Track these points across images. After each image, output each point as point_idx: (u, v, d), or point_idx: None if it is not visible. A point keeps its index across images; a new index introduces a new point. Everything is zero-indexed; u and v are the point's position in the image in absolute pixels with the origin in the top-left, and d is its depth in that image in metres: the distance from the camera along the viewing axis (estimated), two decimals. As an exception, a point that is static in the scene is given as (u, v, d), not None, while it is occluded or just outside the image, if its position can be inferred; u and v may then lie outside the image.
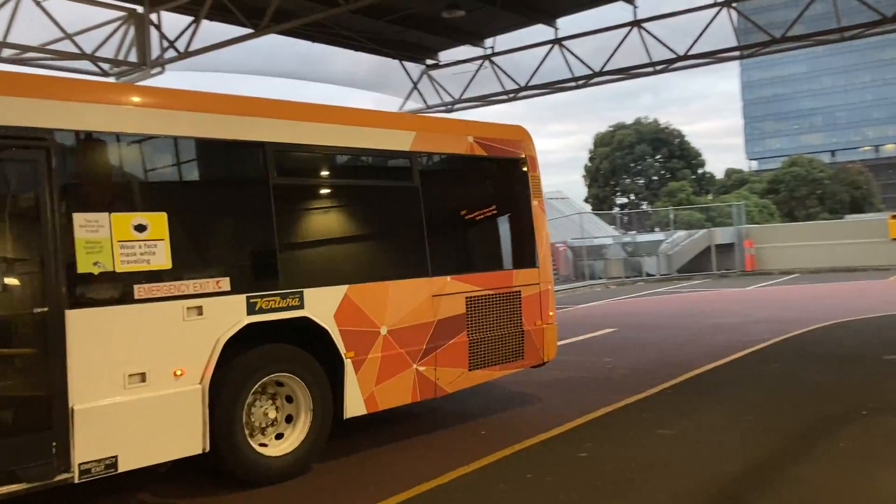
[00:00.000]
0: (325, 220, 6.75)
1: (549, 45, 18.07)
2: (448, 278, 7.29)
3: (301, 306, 6.15)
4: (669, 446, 6.50)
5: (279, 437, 6.14)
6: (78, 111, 5.18)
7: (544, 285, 8.26)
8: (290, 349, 6.14)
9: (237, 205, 6.12)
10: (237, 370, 5.77)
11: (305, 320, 6.17)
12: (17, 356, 5.00)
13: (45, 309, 4.91)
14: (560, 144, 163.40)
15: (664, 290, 24.48)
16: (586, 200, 65.41)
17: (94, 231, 5.12)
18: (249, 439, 5.86)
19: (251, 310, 5.85)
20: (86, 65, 14.40)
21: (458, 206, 7.81)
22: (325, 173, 6.80)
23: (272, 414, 6.09)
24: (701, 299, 20.49)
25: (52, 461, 4.87)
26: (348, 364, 6.42)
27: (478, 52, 19.08)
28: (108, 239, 5.17)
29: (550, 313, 8.31)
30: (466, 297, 7.41)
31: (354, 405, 6.48)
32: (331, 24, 15.54)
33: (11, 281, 4.94)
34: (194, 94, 5.96)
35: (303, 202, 6.53)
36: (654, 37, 16.91)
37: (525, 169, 8.31)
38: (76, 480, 4.94)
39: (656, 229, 37.57)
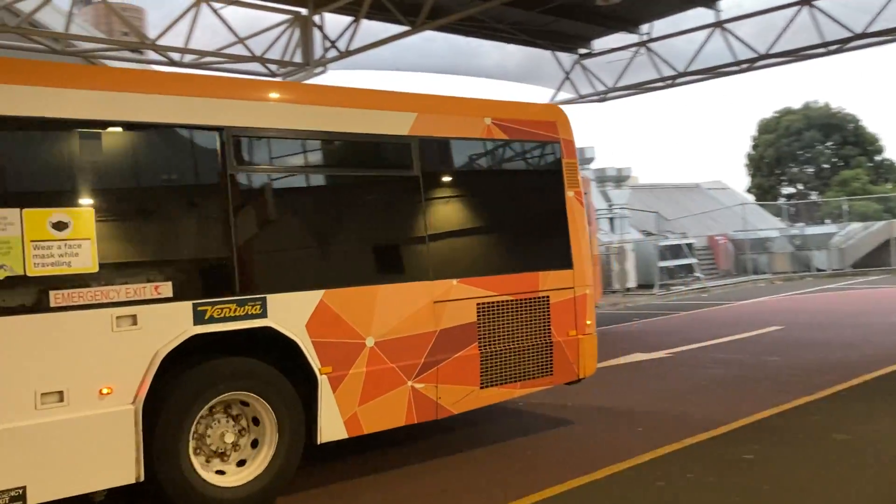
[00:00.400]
0: (296, 216, 5.89)
1: (709, 29, 16.83)
2: (454, 282, 6.31)
3: (263, 315, 5.35)
4: (845, 452, 6.01)
5: (241, 463, 5.37)
6: None
7: (580, 289, 7.13)
8: (249, 364, 5.34)
9: (183, 197, 5.37)
10: (181, 388, 5.02)
11: (270, 331, 5.37)
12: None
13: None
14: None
15: (836, 286, 22.41)
16: (749, 191, 62.08)
17: (2, 229, 4.49)
18: (200, 468, 5.11)
19: (199, 319, 5.09)
20: (255, 67, 15.07)
21: (470, 198, 6.78)
22: (299, 161, 5.93)
23: (230, 438, 5.31)
24: (880, 296, 18.64)
25: None
26: (324, 381, 5.57)
27: (633, 38, 18.19)
28: (17, 238, 4.53)
29: (588, 322, 7.17)
30: (478, 304, 6.41)
31: (332, 428, 5.62)
32: (483, 18, 15.46)
33: None
34: (124, 72, 5.26)
35: (268, 194, 5.70)
36: (828, 15, 15.22)
37: (558, 155, 7.20)
38: (-32, 513, 4.34)
39: (827, 221, 34.77)
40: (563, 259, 7.07)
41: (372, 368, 5.81)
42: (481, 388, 6.43)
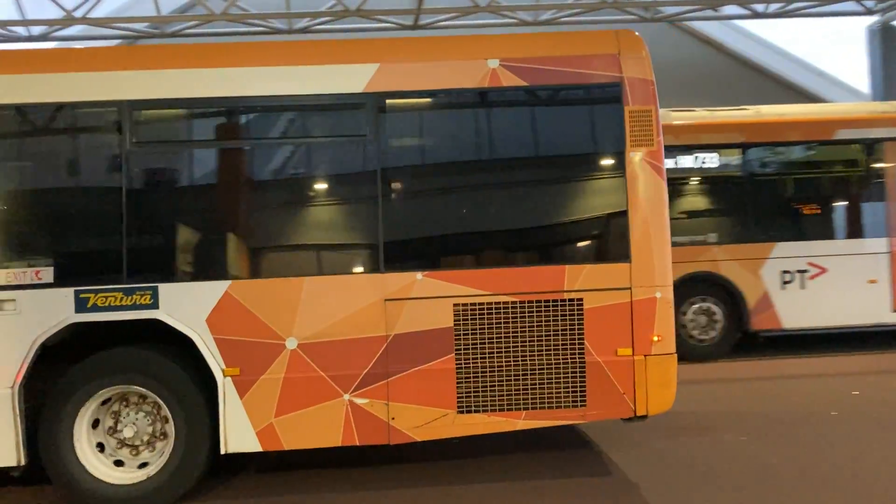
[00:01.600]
0: (198, 195, 5.18)
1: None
2: (418, 275, 4.96)
3: (154, 306, 4.87)
4: None
5: (143, 465, 5.03)
6: None
7: (644, 291, 5.04)
8: (141, 357, 4.92)
9: (71, 176, 5.10)
10: (63, 378, 4.86)
11: (160, 323, 4.88)
12: None
13: None
14: None
15: None
16: None
17: None
18: (90, 462, 4.90)
19: (81, 307, 4.84)
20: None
21: (450, 166, 5.19)
22: (207, 132, 5.19)
23: (129, 433, 5.00)
24: None
25: None
26: (227, 383, 4.88)
27: None
28: None
29: (656, 337, 5.06)
30: (456, 305, 4.96)
31: (239, 438, 4.92)
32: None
33: None
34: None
35: (170, 169, 5.11)
36: None
37: (618, 101, 5.12)
38: None
39: None
40: (615, 247, 5.07)
41: (293, 375, 4.91)
42: (459, 412, 4.99)
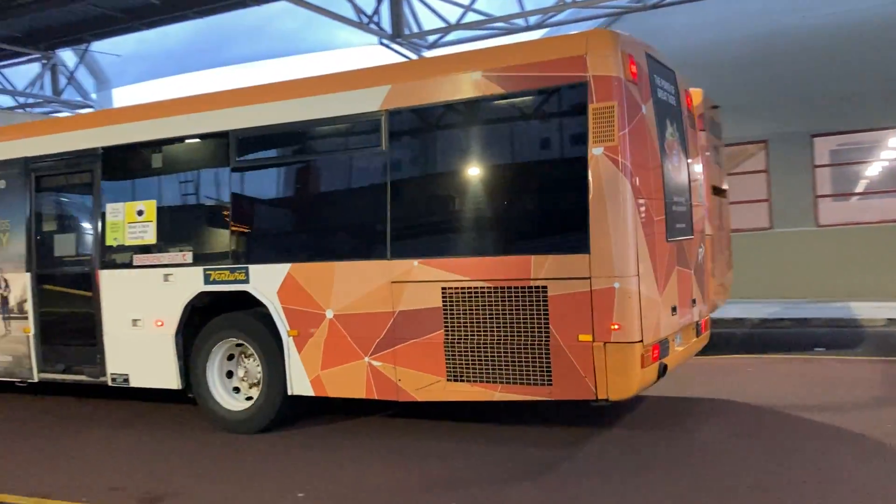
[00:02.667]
0: (277, 198, 6.64)
1: None
2: (415, 262, 5.89)
3: (246, 281, 6.62)
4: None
5: (249, 398, 6.85)
6: None
7: (603, 281, 5.27)
8: (241, 318, 6.72)
9: (201, 191, 7.00)
10: (201, 330, 6.90)
11: (249, 295, 6.60)
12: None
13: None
14: None
15: None
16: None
17: (114, 215, 7.31)
18: (214, 389, 6.87)
19: (207, 280, 6.81)
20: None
21: (446, 169, 5.87)
22: (280, 151, 6.69)
23: (241, 373, 6.86)
24: None
25: (99, 368, 7.49)
26: (290, 341, 6.44)
27: None
28: (122, 222, 7.27)
29: (615, 326, 5.25)
30: (443, 288, 5.79)
31: (300, 384, 6.45)
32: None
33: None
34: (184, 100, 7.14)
35: (257, 181, 6.70)
36: None
37: (582, 100, 5.34)
38: (108, 384, 7.41)
39: None
40: (574, 239, 5.37)
41: (331, 338, 6.26)
42: (448, 380, 5.83)
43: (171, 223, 7.19)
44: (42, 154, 7.82)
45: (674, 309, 5.99)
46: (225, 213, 6.83)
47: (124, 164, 7.46)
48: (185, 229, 7.16)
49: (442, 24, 15.84)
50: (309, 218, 6.72)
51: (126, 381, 7.34)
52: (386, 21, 16.15)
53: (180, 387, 7.06)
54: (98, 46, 19.93)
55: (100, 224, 7.42)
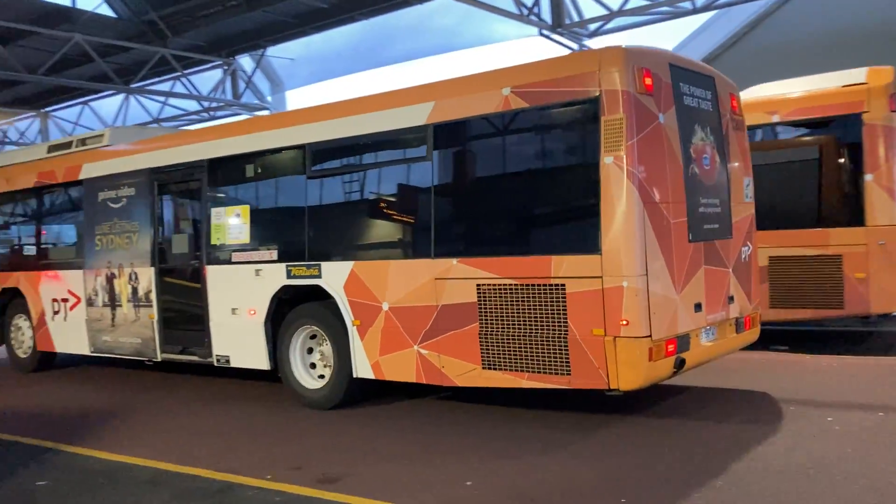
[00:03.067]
0: (342, 203, 7.42)
1: None
2: (454, 261, 6.54)
3: (319, 276, 7.51)
4: None
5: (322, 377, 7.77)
6: None
7: (613, 280, 5.69)
8: (316, 309, 7.61)
9: (280, 201, 7.99)
10: (284, 319, 7.87)
11: (320, 289, 7.48)
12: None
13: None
14: None
15: None
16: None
17: (217, 218, 8.43)
18: (296, 370, 7.82)
19: (289, 275, 7.77)
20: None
21: (481, 176, 6.42)
22: (344, 162, 7.54)
23: (317, 356, 7.76)
24: None
25: (207, 350, 8.65)
26: (354, 330, 7.27)
27: None
28: (223, 224, 8.38)
29: (624, 321, 5.66)
30: (478, 285, 6.40)
31: (363, 367, 7.26)
32: None
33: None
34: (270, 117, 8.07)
35: (326, 188, 7.53)
36: None
37: (595, 112, 5.76)
38: (214, 364, 8.56)
39: None
40: (587, 241, 5.81)
41: (387, 328, 7.03)
42: (483, 368, 6.44)
43: (261, 225, 8.22)
44: (162, 165, 9.10)
45: (698, 306, 6.29)
46: (302, 216, 7.77)
47: (224, 174, 8.58)
48: (272, 230, 8.17)
49: (604, 12, 15.75)
50: (368, 220, 7.53)
51: (227, 361, 8.47)
52: (546, 11, 16.25)
53: (269, 368, 8.08)
54: (272, 51, 21.60)
55: (206, 225, 8.58)
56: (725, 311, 6.75)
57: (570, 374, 6.00)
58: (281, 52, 21.61)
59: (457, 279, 6.56)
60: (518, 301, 6.21)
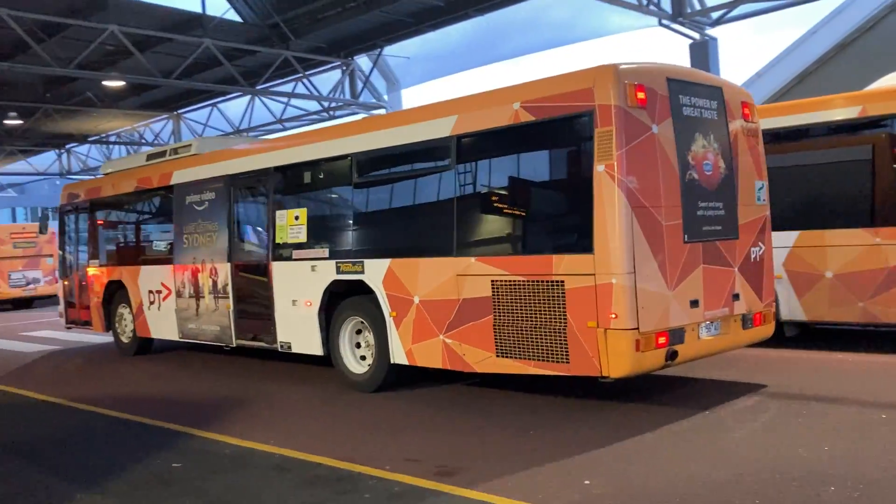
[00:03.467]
0: (381, 206, 8.23)
1: None
2: (472, 260, 7.25)
3: (362, 272, 8.38)
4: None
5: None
6: None
7: (604, 277, 6.27)
8: (360, 302, 8.49)
9: (330, 205, 8.87)
10: (335, 310, 8.80)
11: (363, 283, 8.35)
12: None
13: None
14: None
15: None
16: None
17: (281, 220, 9.45)
18: (344, 356, 8.73)
19: (338, 271, 8.68)
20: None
21: (494, 183, 7.11)
22: (381, 171, 8.43)
23: (363, 344, 8.64)
24: None
25: (273, 337, 9.69)
26: (391, 321, 8.10)
27: None
28: (286, 225, 9.39)
29: (613, 315, 6.23)
30: (492, 281, 7.09)
31: (398, 354, 8.09)
32: None
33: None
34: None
35: (369, 194, 8.38)
36: None
37: (589, 125, 6.35)
38: (279, 349, 9.59)
39: None
40: (581, 242, 6.40)
41: (418, 319, 7.82)
42: (497, 356, 7.13)
43: (315, 226, 9.19)
44: (237, 172, 10.23)
45: (694, 302, 6.77)
46: (349, 218, 8.67)
47: (286, 180, 9.62)
48: (325, 231, 9.12)
49: (726, 0, 15.50)
50: (401, 222, 8.37)
51: (289, 347, 9.49)
52: (666, 0, 16.03)
53: (323, 354, 9.04)
54: (389, 51, 22.13)
55: (272, 226, 9.63)
56: (729, 307, 7.17)
57: (568, 363, 6.62)
58: (397, 51, 22.03)
59: (475, 276, 7.28)
60: (525, 295, 6.87)
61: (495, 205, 7.46)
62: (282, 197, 9.66)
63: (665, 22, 16.22)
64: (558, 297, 6.62)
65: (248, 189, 10.23)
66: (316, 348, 9.11)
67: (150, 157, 12.64)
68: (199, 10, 18.56)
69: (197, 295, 10.89)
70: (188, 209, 11.10)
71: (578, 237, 6.54)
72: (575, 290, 6.50)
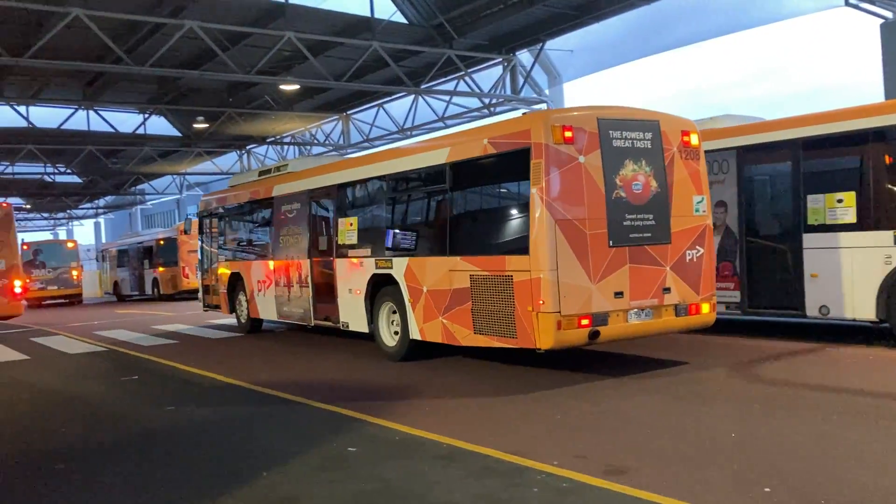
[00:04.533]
0: (402, 218, 10.53)
1: None
2: (458, 258, 9.44)
3: (391, 268, 10.75)
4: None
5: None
6: None
7: (536, 273, 8.31)
8: (391, 290, 10.85)
9: (373, 213, 11.28)
10: (376, 296, 11.23)
11: (391, 276, 10.72)
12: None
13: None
14: None
15: None
16: None
17: (343, 226, 11.99)
18: (382, 333, 11.13)
19: (376, 267, 11.10)
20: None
21: (471, 200, 9.20)
22: (397, 191, 10.84)
23: (396, 321, 11.00)
24: None
25: (336, 317, 12.25)
26: (409, 305, 10.43)
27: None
28: (347, 230, 11.93)
29: (541, 301, 8.25)
30: (470, 275, 9.24)
31: (414, 332, 10.40)
32: None
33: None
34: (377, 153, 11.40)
35: (393, 208, 10.72)
36: None
37: (528, 158, 8.40)
38: (341, 328, 12.14)
39: None
40: (522, 247, 8.47)
41: (426, 304, 10.10)
42: (474, 333, 9.28)
43: (362, 231, 11.68)
44: (313, 188, 12.97)
45: (619, 293, 8.60)
46: (383, 225, 11.09)
47: (343, 195, 12.26)
48: (368, 235, 11.58)
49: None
50: (416, 230, 10.70)
51: (348, 326, 12.06)
52: None
53: (368, 331, 11.51)
54: (551, 44, 21.80)
55: (335, 230, 12.24)
56: (658, 298, 8.91)
57: (516, 338, 8.69)
58: (559, 45, 21.71)
59: (459, 271, 9.47)
60: (490, 287, 8.99)
61: (471, 216, 9.74)
62: (341, 207, 12.27)
63: (853, 1, 15.03)
64: (509, 288, 8.70)
65: (321, 201, 12.92)
66: (364, 327, 11.61)
67: (261, 173, 15.68)
68: (367, 13, 19.08)
69: (288, 284, 13.70)
70: (283, 216, 13.95)
71: (521, 242, 8.59)
72: (519, 282, 8.55)
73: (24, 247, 33.14)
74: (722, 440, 6.07)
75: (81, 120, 26.55)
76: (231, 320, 16.96)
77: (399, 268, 10.64)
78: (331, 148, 30.99)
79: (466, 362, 10.45)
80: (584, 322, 8.39)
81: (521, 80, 22.83)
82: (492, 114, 24.37)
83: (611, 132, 8.70)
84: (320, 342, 13.70)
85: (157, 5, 17.43)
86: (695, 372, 9.01)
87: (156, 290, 31.96)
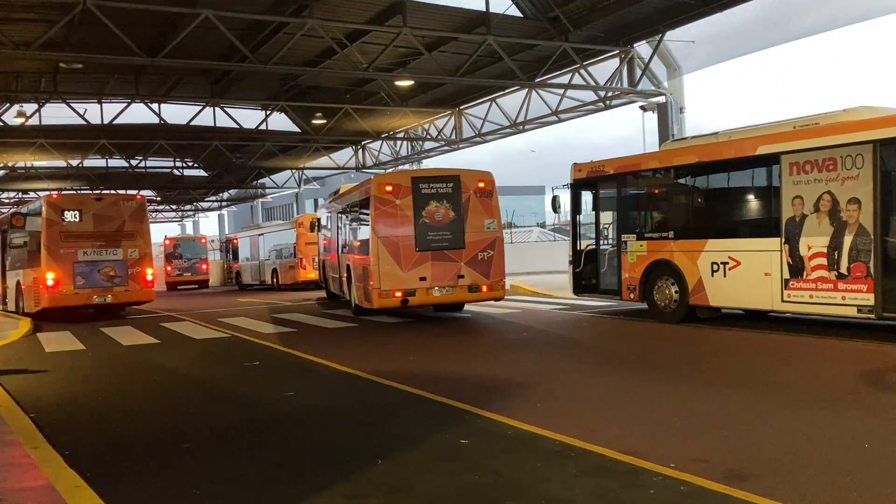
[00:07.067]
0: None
1: None
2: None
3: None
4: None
5: None
6: None
7: (372, 266, 14.24)
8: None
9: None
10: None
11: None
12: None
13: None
14: None
15: None
16: None
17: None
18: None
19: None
20: None
21: (363, 226, 15.94)
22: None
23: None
24: None
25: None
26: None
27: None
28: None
29: (371, 282, 14.35)
30: (347, 265, 15.59)
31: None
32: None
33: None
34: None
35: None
36: None
37: (370, 201, 15.06)
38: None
39: None
40: (369, 252, 14.71)
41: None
42: (364, 300, 15.20)
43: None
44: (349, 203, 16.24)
45: (423, 278, 14.67)
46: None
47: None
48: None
49: None
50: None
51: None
52: None
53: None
54: (670, 35, 20.71)
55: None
56: (454, 281, 14.83)
57: (370, 303, 14.77)
58: (679, 36, 20.69)
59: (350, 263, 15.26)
60: (363, 272, 14.96)
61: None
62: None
63: None
64: (367, 272, 14.57)
65: (351, 208, 17.90)
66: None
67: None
68: (482, 7, 18.65)
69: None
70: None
71: (364, 250, 14.74)
72: (358, 270, 15.03)
73: (167, 241, 42.24)
74: (853, 450, 5.72)
75: (208, 116, 27.69)
76: (342, 310, 17.38)
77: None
78: (443, 143, 31.17)
79: (578, 355, 10.30)
80: (398, 294, 14.69)
81: (638, 73, 21.95)
82: (607, 107, 23.65)
83: (420, 185, 14.96)
84: (436, 332, 13.92)
85: (281, 4, 17.87)
86: (823, 378, 8.57)
87: (275, 280, 33.21)
